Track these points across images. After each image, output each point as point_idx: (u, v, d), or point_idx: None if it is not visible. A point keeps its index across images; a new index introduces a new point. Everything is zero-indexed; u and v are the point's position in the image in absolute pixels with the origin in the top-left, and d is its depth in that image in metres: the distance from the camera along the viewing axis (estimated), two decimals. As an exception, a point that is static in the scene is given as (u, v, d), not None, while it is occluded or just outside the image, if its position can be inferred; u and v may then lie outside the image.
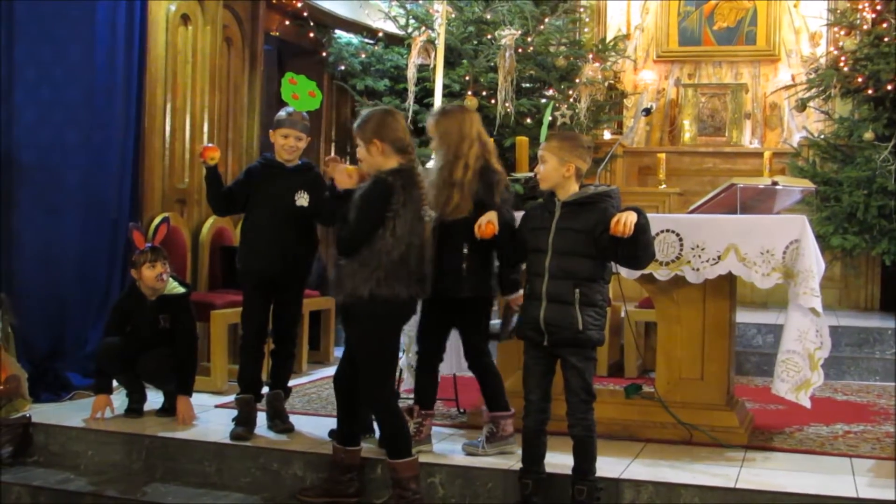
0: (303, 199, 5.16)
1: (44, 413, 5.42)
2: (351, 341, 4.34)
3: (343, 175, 4.30)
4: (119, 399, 5.53)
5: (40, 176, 6.07)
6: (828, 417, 5.66)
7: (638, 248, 3.93)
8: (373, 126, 4.21)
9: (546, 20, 9.10)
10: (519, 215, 4.44)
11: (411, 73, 7.11)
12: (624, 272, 4.74)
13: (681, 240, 4.94)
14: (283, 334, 5.31)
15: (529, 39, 8.79)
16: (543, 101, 8.65)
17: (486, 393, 4.85)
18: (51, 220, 6.06)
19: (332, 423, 5.14)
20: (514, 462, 4.37)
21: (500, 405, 4.80)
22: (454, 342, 5.06)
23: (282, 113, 5.21)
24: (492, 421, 4.77)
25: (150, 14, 6.55)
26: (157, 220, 6.35)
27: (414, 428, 4.69)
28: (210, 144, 5.35)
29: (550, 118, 5.94)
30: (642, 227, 3.90)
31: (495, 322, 4.89)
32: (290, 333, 5.34)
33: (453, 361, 5.19)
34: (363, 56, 9.03)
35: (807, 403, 4.82)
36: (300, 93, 5.19)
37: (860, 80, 8.70)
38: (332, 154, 8.41)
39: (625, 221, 3.86)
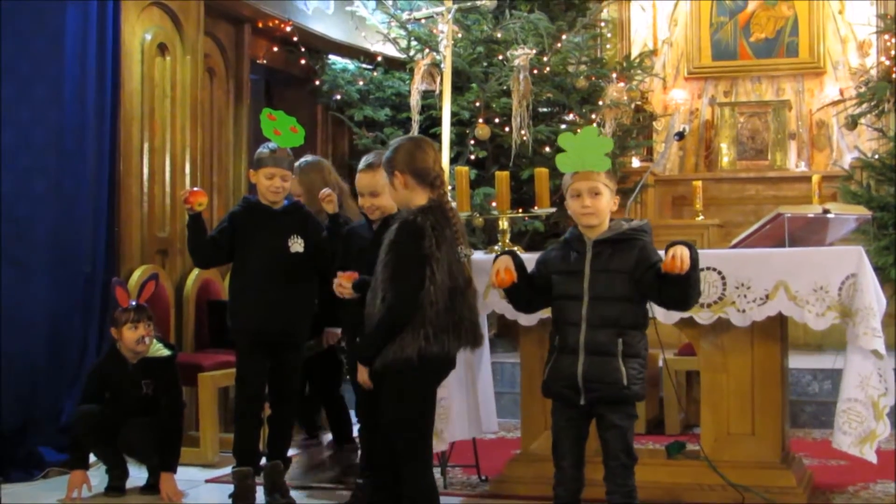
0: (297, 245, 5.17)
1: (15, 494, 5.41)
2: (382, 410, 4.12)
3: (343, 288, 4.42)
4: (98, 476, 5.53)
5: (4, 228, 6.06)
6: (897, 473, 5.63)
7: (689, 287, 3.89)
8: (400, 157, 4.14)
9: (563, 37, 9.15)
10: (528, 258, 4.36)
11: (415, 101, 7.17)
12: (661, 315, 4.73)
13: (723, 278, 4.94)
14: (282, 398, 5.28)
15: (546, 59, 8.84)
16: (563, 127, 8.69)
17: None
18: (17, 277, 6.05)
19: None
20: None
21: None
22: (470, 402, 5.06)
23: (264, 150, 5.18)
24: None
25: (124, 44, 6.60)
26: (137, 274, 6.38)
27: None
28: (197, 189, 5.33)
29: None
30: (695, 262, 3.86)
31: None
32: (290, 397, 5.32)
33: (472, 423, 5.17)
34: (361, 83, 9.11)
35: (872, 458, 4.78)
36: (281, 128, 5.15)
37: (917, 92, 8.74)
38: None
39: (681, 256, 3.80)
